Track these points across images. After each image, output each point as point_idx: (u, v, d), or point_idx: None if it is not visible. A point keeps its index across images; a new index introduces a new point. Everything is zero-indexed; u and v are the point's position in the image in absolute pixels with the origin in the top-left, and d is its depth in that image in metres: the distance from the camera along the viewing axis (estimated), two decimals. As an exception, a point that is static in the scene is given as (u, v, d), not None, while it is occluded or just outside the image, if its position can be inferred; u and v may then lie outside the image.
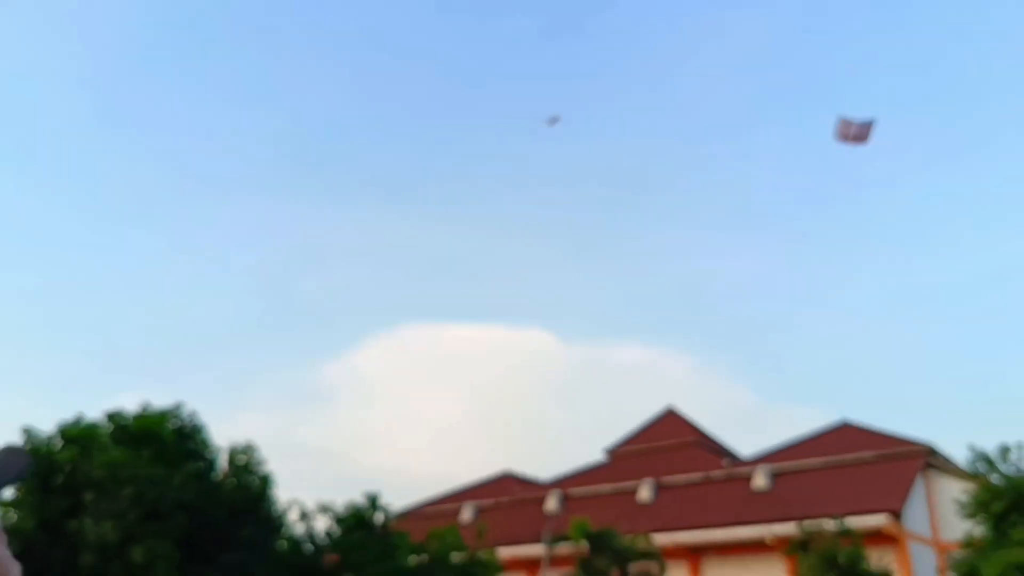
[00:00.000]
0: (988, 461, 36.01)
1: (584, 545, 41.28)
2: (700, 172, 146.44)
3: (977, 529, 35.20)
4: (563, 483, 59.67)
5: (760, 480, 48.85)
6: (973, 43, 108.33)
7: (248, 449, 31.42)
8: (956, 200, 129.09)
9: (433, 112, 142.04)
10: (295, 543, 32.92)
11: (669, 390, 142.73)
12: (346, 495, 65.51)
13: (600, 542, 41.00)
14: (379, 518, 34.61)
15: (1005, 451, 35.68)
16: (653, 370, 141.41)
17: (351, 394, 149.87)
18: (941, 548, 41.91)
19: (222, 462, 31.28)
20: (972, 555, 35.18)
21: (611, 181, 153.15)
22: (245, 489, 30.78)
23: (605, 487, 55.39)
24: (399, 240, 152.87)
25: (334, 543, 33.06)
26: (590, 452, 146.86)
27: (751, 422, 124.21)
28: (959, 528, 36.65)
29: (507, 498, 60.29)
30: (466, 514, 58.61)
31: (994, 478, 35.23)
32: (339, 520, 34.25)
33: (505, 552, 48.49)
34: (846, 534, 33.29)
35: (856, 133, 24.40)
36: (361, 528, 33.78)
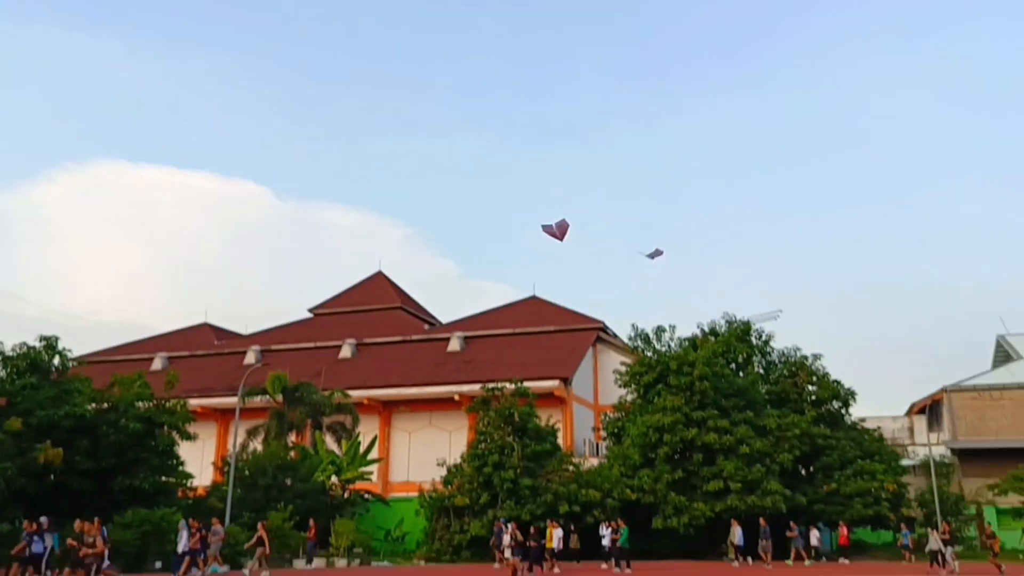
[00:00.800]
0: (645, 339, 41.51)
1: (280, 398, 41.52)
2: (423, 65, 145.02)
3: (629, 396, 40.73)
4: (264, 337, 58.83)
5: (454, 344, 51.89)
6: None
7: None
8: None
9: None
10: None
11: (379, 256, 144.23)
12: (18, 337, 59.12)
13: (296, 395, 41.49)
14: (56, 362, 31.99)
15: (660, 331, 41.29)
16: (365, 235, 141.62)
17: (27, 228, 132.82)
18: (599, 410, 47.89)
19: None
20: (622, 417, 40.82)
21: (339, 41, 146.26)
22: None
23: (307, 344, 55.58)
24: (99, 66, 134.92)
25: (1, 386, 30.07)
26: (296, 310, 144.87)
27: (452, 292, 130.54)
28: (615, 394, 42.08)
29: (204, 351, 58.27)
30: (158, 363, 55.86)
31: (649, 354, 40.79)
32: (6, 361, 31.19)
33: (198, 402, 47.37)
34: (523, 395, 36.52)
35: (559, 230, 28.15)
36: (34, 372, 30.99)
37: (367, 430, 43.94)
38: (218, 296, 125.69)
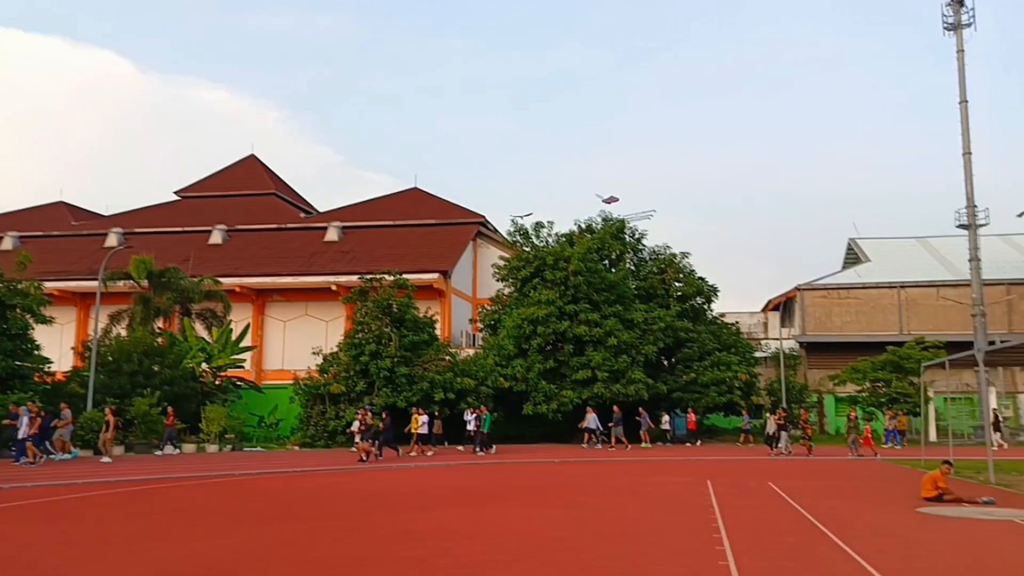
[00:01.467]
0: (524, 234, 41.82)
1: (146, 283, 39.53)
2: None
3: (507, 289, 41.28)
4: (126, 219, 55.41)
5: (332, 234, 50.66)
6: None
7: None
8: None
9: None
10: None
11: (251, 139, 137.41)
12: None
13: (163, 281, 39.58)
14: None
15: (539, 227, 41.62)
16: (236, 117, 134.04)
17: None
18: (477, 303, 48.39)
19: None
20: (499, 310, 41.44)
21: None
22: None
23: (173, 228, 52.82)
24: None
25: None
26: (160, 193, 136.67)
27: (331, 180, 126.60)
28: (493, 288, 42.53)
29: (60, 231, 54.39)
30: (8, 242, 51.86)
31: (527, 249, 41.20)
32: None
33: (55, 285, 44.47)
34: (402, 287, 36.32)
35: None
36: None
37: (240, 318, 42.76)
38: (75, 174, 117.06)
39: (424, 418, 28.77)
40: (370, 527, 10.58)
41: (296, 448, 33.67)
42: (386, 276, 36.52)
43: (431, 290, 44.37)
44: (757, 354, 43.13)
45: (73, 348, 40.95)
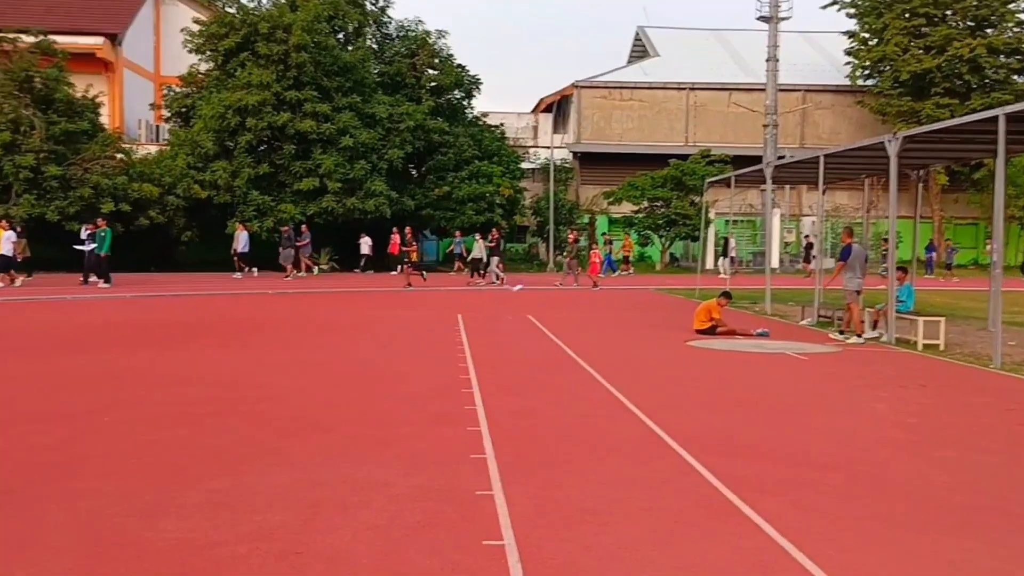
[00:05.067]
0: (227, -10, 39.08)
1: None
2: None
3: (204, 66, 38.83)
4: None
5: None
6: None
7: None
8: None
9: None
10: None
11: None
12: None
13: None
14: None
15: (248, -19, 39.02)
16: None
17: None
18: (161, 82, 45.23)
19: None
20: (193, 93, 39.05)
21: None
22: None
23: None
24: None
25: None
26: None
27: None
28: (185, 62, 39.80)
29: None
30: None
31: (232, 11, 38.60)
32: None
33: None
34: (48, 53, 33.18)
35: None
36: None
37: None
38: None
39: (8, 234, 25.64)
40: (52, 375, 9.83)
41: None
42: (23, 37, 33.06)
43: (94, 60, 40.85)
44: (524, 165, 44.61)
45: None
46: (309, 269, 32.83)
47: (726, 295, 15.56)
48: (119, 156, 33.76)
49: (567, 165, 47.97)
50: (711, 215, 39.64)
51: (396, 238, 34.91)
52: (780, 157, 30.30)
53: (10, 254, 25.51)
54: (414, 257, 29.25)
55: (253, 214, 34.49)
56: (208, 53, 37.67)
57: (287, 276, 30.51)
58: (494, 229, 32.43)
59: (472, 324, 16.22)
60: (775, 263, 38.40)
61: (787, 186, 44.46)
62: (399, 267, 31.74)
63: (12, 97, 32.02)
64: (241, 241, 31.91)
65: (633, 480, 5.73)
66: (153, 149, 38.27)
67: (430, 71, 40.90)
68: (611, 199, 43.05)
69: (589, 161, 48.91)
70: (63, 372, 10.28)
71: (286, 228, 32.44)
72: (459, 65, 41.32)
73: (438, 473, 5.81)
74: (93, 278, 26.14)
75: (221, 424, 7.41)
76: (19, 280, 25.68)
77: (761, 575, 4.16)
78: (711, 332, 14.66)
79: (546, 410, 8.21)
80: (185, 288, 25.55)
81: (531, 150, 49.29)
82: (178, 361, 11.33)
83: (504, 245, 30.00)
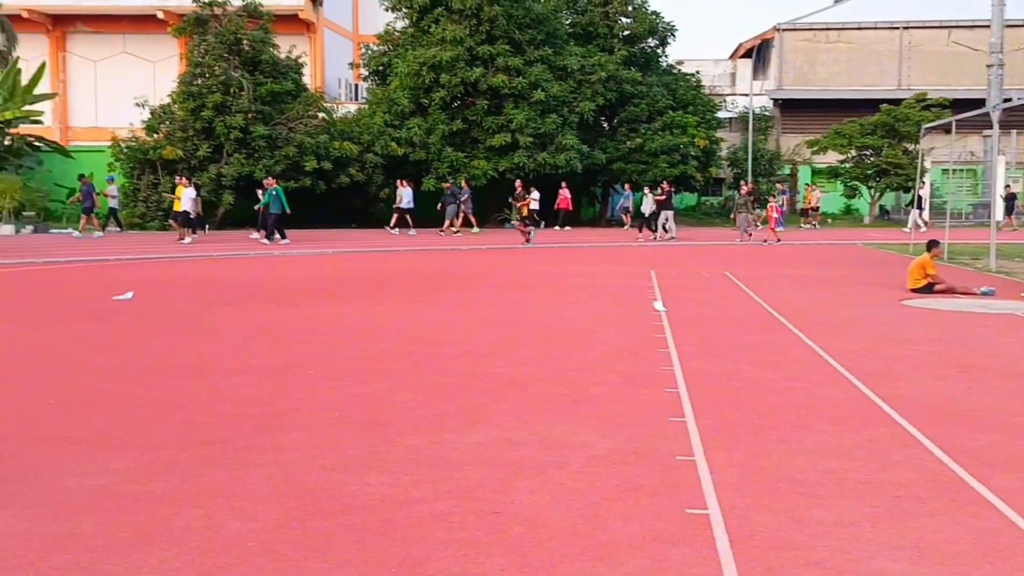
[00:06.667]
0: (423, -55, 39.55)
1: None
2: None
3: (399, 23, 39.74)
4: None
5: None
6: None
7: None
8: None
9: None
10: None
11: None
12: None
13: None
14: None
15: (443, -64, 39.35)
16: None
17: None
18: (360, 41, 46.60)
19: None
20: (389, 51, 40.07)
21: None
22: None
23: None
24: None
25: None
26: None
27: None
28: (382, 20, 40.85)
29: None
30: None
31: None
32: None
33: None
34: (255, 15, 34.64)
35: None
36: None
37: (31, 55, 40.23)
38: None
39: (190, 191, 27.45)
40: (231, 328, 10.40)
41: (117, 229, 33.15)
42: (231, 0, 34.66)
43: (296, 21, 42.46)
44: (720, 114, 43.37)
45: None
46: (466, 224, 32.85)
47: (936, 243, 14.58)
48: (321, 115, 35.07)
49: (767, 113, 46.36)
50: (927, 164, 37.40)
51: (565, 192, 34.93)
52: (1007, 99, 28.06)
53: (191, 211, 27.05)
54: (525, 212, 28.36)
55: (447, 171, 35.14)
56: (404, 11, 38.42)
57: (442, 232, 30.96)
58: (664, 182, 31.67)
59: (663, 280, 15.93)
60: (999, 216, 35.82)
61: (1013, 131, 41.26)
62: (521, 221, 29.38)
63: (222, 60, 33.79)
64: (405, 198, 32.26)
65: (848, 451, 5.40)
66: (352, 108, 39.55)
67: (623, 19, 40.24)
68: (815, 148, 41.26)
69: (791, 108, 47.09)
70: (270, 325, 10.80)
71: (448, 184, 32.78)
72: (653, 12, 40.46)
73: (636, 436, 5.67)
74: (277, 235, 26.94)
75: (419, 380, 7.54)
76: (188, 238, 26.91)
77: (997, 559, 3.81)
78: (928, 290, 13.77)
79: (749, 372, 7.90)
80: (378, 244, 26.40)
81: (728, 98, 47.89)
82: (376, 316, 11.70)
83: (672, 198, 29.08)
